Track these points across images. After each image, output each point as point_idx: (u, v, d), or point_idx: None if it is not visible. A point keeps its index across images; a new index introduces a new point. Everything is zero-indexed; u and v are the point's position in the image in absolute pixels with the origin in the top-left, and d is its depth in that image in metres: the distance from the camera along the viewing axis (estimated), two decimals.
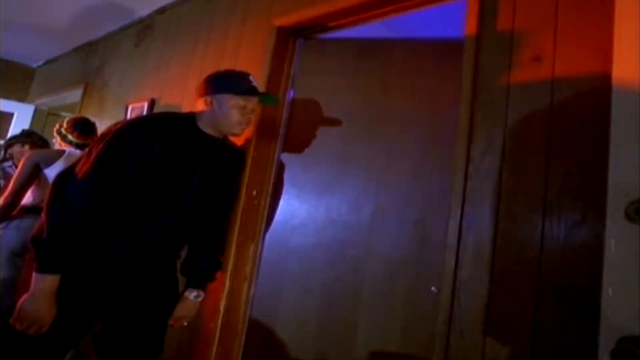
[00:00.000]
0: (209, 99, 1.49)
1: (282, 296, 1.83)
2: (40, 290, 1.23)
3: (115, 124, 1.42)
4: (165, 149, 1.39)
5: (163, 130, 1.42)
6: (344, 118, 1.85)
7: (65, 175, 1.33)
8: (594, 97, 1.13)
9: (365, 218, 1.70)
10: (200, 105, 1.51)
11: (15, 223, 2.30)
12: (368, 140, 1.76)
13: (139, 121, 1.47)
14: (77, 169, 1.34)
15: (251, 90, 1.51)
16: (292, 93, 1.90)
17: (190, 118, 1.53)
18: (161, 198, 1.41)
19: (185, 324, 1.58)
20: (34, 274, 1.24)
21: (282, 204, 1.96)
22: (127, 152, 1.35)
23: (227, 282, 1.88)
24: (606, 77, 1.10)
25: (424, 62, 1.73)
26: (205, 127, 1.51)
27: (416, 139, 1.63)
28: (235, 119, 1.48)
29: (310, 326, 1.71)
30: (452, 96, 1.58)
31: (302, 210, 1.89)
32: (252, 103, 1.51)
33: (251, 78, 1.53)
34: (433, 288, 1.38)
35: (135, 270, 1.42)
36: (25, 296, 1.24)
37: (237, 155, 1.65)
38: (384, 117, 1.75)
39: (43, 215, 1.29)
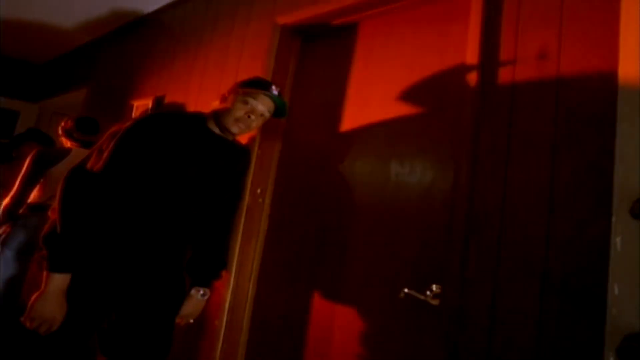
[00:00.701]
0: (225, 96, 1.51)
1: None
2: (51, 289, 1.23)
3: (125, 122, 1.43)
4: (175, 146, 1.40)
5: (173, 127, 1.43)
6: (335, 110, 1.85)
7: (77, 173, 1.33)
8: (599, 95, 1.13)
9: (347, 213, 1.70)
10: (215, 105, 1.53)
11: (21, 221, 2.32)
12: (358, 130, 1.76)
13: (149, 118, 1.46)
14: (89, 166, 1.34)
15: (260, 86, 1.48)
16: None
17: (200, 117, 1.54)
18: (169, 195, 1.42)
19: (191, 321, 1.59)
20: (45, 273, 1.24)
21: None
22: (139, 148, 1.35)
23: (232, 280, 1.89)
24: (612, 74, 1.09)
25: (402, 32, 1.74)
26: (212, 126, 1.52)
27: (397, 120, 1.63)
28: (236, 114, 1.44)
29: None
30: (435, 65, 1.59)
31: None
32: (261, 107, 1.47)
33: (273, 87, 1.51)
34: (402, 294, 1.41)
35: (143, 267, 1.43)
36: (36, 295, 1.24)
37: (243, 153, 1.65)
38: (369, 103, 1.76)
39: (54, 213, 1.28)
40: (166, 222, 1.44)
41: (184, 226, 1.49)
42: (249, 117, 1.45)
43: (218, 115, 1.50)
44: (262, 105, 1.47)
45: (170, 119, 1.47)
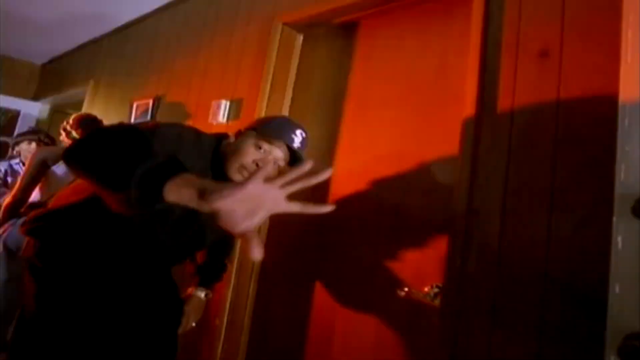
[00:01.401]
0: (240, 132, 1.29)
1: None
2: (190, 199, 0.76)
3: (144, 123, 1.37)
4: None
5: (186, 145, 1.20)
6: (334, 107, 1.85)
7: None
8: (601, 93, 1.13)
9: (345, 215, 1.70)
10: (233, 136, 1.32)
11: (22, 220, 2.32)
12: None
13: (168, 129, 1.21)
14: None
15: (281, 131, 1.23)
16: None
17: (218, 140, 1.31)
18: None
19: (194, 324, 1.57)
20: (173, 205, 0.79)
21: None
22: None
23: (233, 279, 1.89)
24: (614, 73, 1.09)
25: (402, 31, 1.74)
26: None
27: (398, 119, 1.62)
28: (243, 160, 1.18)
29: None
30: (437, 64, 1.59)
31: None
32: (277, 153, 1.22)
33: (298, 132, 1.25)
34: (403, 293, 1.40)
35: (140, 279, 1.37)
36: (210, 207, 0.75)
37: None
38: (368, 100, 1.76)
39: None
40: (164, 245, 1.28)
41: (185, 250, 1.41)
42: (257, 165, 1.18)
43: (226, 152, 1.25)
44: (279, 152, 1.22)
45: (192, 136, 1.23)
